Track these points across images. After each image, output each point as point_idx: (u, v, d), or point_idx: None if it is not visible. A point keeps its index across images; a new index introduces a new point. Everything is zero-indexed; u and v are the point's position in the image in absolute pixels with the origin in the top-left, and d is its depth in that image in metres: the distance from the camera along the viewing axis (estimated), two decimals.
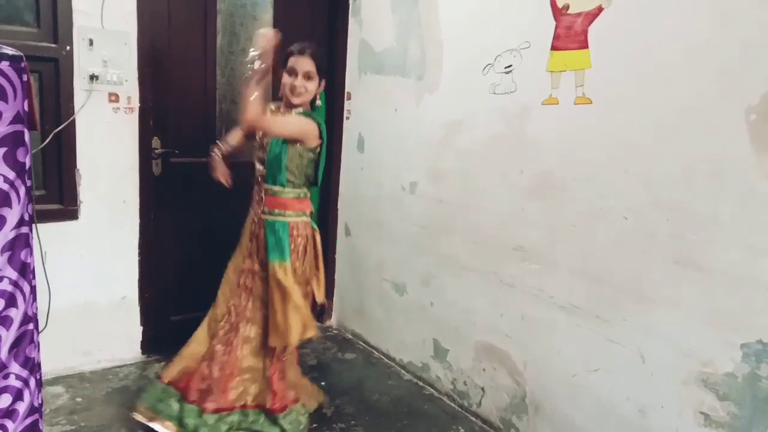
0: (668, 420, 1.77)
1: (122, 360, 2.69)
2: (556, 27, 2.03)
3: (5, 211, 1.54)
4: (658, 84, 1.75)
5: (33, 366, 1.69)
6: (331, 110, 2.99)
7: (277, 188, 2.10)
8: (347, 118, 3.20)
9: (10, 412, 1.63)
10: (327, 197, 3.26)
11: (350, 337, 3.29)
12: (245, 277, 2.19)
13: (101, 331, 2.60)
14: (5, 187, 1.53)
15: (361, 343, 3.20)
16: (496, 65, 2.28)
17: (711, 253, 1.64)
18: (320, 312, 3.26)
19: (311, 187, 2.18)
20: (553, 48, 2.05)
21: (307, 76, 2.06)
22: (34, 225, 1.68)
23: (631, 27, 1.81)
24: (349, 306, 3.32)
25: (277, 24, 2.92)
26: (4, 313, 1.57)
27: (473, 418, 2.48)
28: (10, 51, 1.50)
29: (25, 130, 1.56)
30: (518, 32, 2.18)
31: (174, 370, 2.16)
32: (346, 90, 3.19)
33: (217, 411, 2.05)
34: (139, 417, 2.09)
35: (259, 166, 2.17)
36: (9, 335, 1.59)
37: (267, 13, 2.92)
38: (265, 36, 1.81)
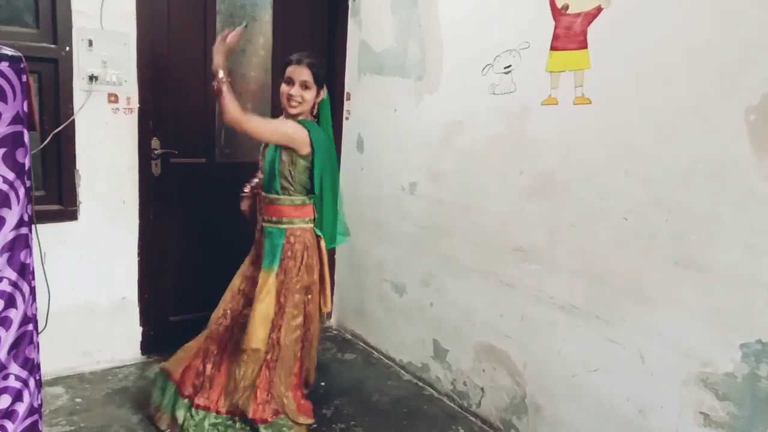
0: (668, 420, 1.76)
1: (122, 361, 2.69)
2: (556, 27, 2.03)
3: (5, 212, 1.54)
4: (657, 84, 1.75)
5: (32, 367, 1.69)
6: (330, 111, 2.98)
7: (273, 196, 2.10)
8: (347, 118, 3.20)
9: (9, 413, 1.63)
10: None
11: (350, 337, 3.29)
12: (245, 283, 2.21)
13: (101, 332, 2.60)
14: (5, 187, 1.53)
15: (361, 343, 3.20)
16: (495, 65, 2.28)
17: (711, 253, 1.64)
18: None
19: (310, 195, 2.14)
20: (553, 48, 2.04)
21: (304, 86, 2.06)
22: (33, 226, 1.68)
23: (630, 27, 1.81)
24: (348, 306, 3.32)
25: (277, 24, 2.93)
26: (3, 314, 1.57)
27: (473, 419, 2.47)
28: (9, 52, 1.50)
29: (25, 131, 1.56)
30: (518, 32, 2.18)
31: (174, 363, 2.20)
32: (346, 90, 3.18)
33: (205, 408, 2.08)
34: (163, 426, 2.13)
35: (260, 175, 2.19)
36: (8, 336, 1.59)
37: (266, 14, 2.91)
38: (217, 49, 1.98)
